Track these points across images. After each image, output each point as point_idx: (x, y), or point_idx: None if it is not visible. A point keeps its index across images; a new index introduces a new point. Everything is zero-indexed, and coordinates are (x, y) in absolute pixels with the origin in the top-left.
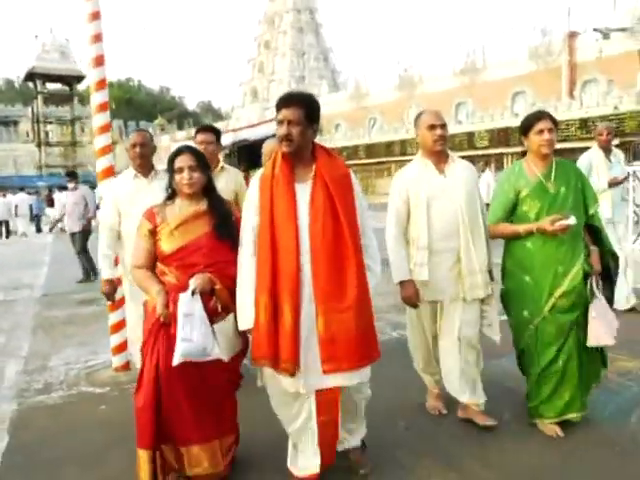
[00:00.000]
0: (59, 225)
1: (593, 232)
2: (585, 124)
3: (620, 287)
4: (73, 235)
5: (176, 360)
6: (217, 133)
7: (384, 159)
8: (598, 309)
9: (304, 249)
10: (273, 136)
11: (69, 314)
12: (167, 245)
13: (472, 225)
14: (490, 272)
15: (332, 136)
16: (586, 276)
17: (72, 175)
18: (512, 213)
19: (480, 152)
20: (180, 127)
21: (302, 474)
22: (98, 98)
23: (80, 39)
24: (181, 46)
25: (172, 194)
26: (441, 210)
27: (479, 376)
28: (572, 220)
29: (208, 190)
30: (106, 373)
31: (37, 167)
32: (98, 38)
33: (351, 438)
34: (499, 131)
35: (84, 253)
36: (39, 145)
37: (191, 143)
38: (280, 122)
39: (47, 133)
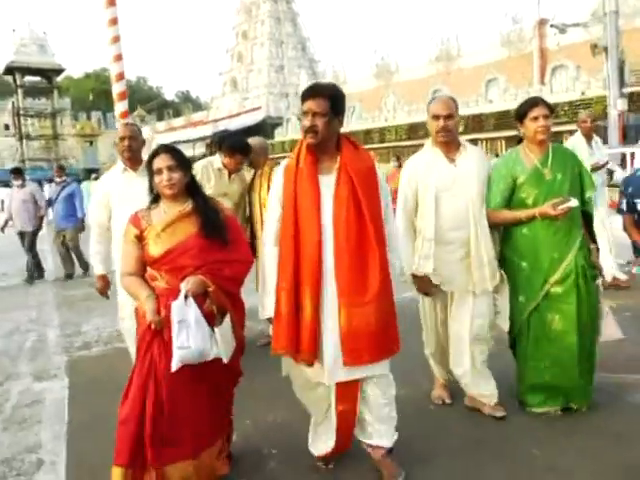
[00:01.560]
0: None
1: (586, 220)
2: (555, 109)
3: (605, 263)
4: (22, 234)
5: (174, 367)
6: (247, 150)
7: (363, 146)
8: (605, 305)
9: (327, 241)
10: (253, 129)
11: (85, 293)
12: (155, 249)
13: (481, 216)
14: (499, 260)
15: None
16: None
17: (18, 172)
18: (510, 200)
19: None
20: (160, 118)
21: (317, 453)
22: (118, 88)
23: (100, 40)
24: (156, 35)
25: (156, 197)
26: (451, 201)
27: (487, 369)
28: (574, 202)
29: (192, 189)
30: None
31: (19, 161)
32: (117, 39)
33: (378, 439)
34: (473, 117)
35: (32, 252)
36: (20, 139)
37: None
38: (305, 113)
39: (27, 126)
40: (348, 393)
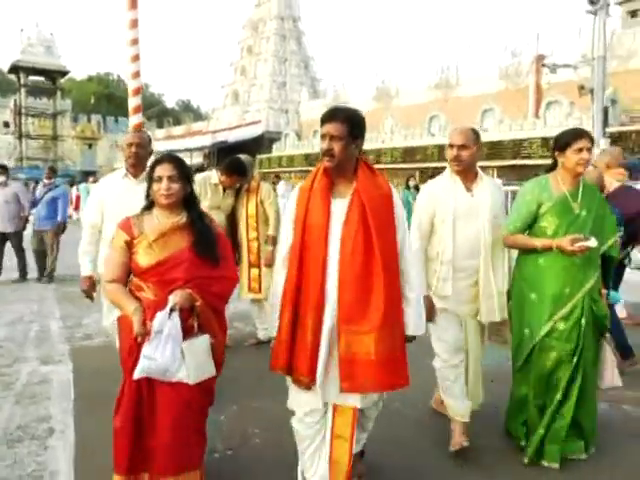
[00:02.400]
0: None
1: (604, 264)
2: (547, 142)
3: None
4: (3, 235)
5: (136, 375)
6: (244, 172)
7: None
8: (608, 352)
9: (332, 266)
10: (251, 142)
11: None
12: (145, 259)
13: (494, 247)
14: (508, 292)
15: (310, 141)
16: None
17: (3, 168)
18: (529, 227)
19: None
20: (160, 125)
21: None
22: (134, 102)
23: (119, 41)
24: (160, 42)
25: (150, 204)
26: (465, 229)
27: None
28: (593, 242)
29: (189, 203)
30: None
31: (17, 159)
32: (136, 41)
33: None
34: None
35: (21, 253)
36: (20, 137)
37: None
38: (323, 136)
39: (27, 125)
40: (344, 420)
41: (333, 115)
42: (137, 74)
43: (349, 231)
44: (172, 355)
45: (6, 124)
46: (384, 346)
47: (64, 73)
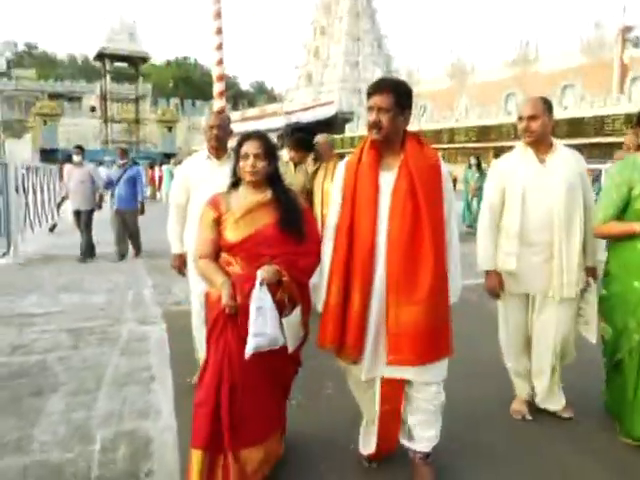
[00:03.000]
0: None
1: None
2: (631, 119)
3: None
4: (78, 213)
5: (248, 353)
6: (309, 146)
7: (433, 146)
8: None
9: (381, 238)
10: (324, 123)
11: None
12: (232, 234)
13: (569, 221)
14: (592, 269)
15: None
16: None
17: (80, 149)
18: (624, 211)
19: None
20: (235, 107)
21: (365, 452)
22: (218, 87)
23: (203, 30)
24: (233, 25)
25: (236, 181)
26: (537, 201)
27: (560, 384)
28: None
29: (274, 180)
30: None
31: (103, 142)
32: (220, 31)
33: (418, 443)
34: None
35: (88, 231)
36: (105, 121)
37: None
38: (370, 109)
39: (112, 110)
40: (392, 393)
41: (379, 86)
42: (221, 61)
43: (397, 202)
44: (276, 326)
45: (92, 109)
46: (431, 317)
47: (146, 59)
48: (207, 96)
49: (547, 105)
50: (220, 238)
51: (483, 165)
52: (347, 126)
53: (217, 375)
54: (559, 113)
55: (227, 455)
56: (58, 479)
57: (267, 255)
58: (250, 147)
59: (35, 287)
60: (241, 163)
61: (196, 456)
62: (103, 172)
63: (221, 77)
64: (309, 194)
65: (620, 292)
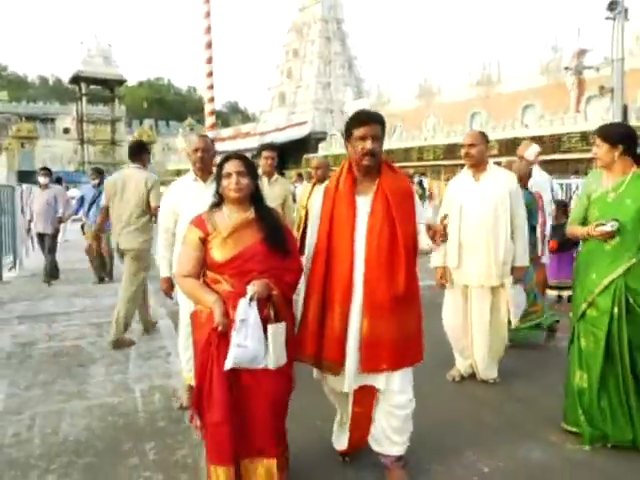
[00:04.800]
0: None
1: None
2: (586, 137)
3: None
4: (42, 236)
5: (228, 365)
6: (271, 148)
7: (402, 164)
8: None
9: (359, 257)
10: (298, 143)
11: None
12: (220, 254)
13: (496, 226)
14: (518, 269)
15: None
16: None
17: (46, 170)
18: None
19: (490, 160)
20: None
21: (338, 448)
22: (208, 94)
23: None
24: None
25: (219, 201)
26: (472, 211)
27: (496, 360)
28: (609, 226)
29: (255, 198)
30: None
31: (80, 163)
32: (210, 60)
33: (389, 447)
34: (507, 141)
35: (52, 254)
36: (82, 143)
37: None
38: (363, 138)
39: (88, 132)
40: (364, 398)
41: (371, 117)
42: (212, 86)
43: (374, 222)
44: (259, 342)
45: (66, 130)
46: (404, 325)
47: (121, 82)
48: (181, 117)
49: (483, 136)
50: (206, 257)
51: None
52: (320, 145)
53: (227, 392)
54: (521, 131)
55: (247, 464)
56: (115, 413)
57: (256, 271)
58: (232, 166)
59: (48, 294)
60: (224, 182)
61: (224, 472)
62: (75, 192)
63: (212, 99)
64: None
65: (580, 280)
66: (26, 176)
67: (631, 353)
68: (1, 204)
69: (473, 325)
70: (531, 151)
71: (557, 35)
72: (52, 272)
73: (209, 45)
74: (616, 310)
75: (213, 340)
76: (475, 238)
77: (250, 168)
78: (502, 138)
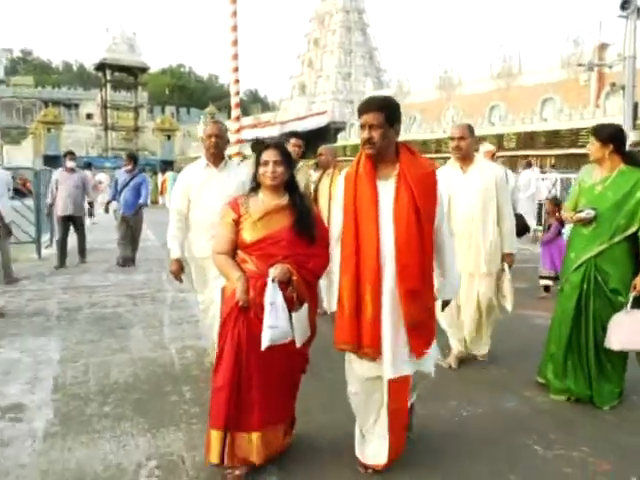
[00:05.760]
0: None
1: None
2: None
3: None
4: (69, 219)
5: (264, 345)
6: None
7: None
8: (621, 318)
9: (385, 241)
10: (317, 132)
11: None
12: (249, 235)
13: (483, 216)
14: (508, 255)
15: None
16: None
17: (72, 155)
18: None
19: (507, 153)
20: (229, 116)
21: (371, 462)
22: (234, 88)
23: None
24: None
25: (256, 186)
26: (460, 201)
27: (488, 338)
28: (585, 214)
29: (290, 186)
30: None
31: (104, 149)
32: (235, 43)
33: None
34: (526, 134)
35: (82, 236)
36: (105, 129)
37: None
38: (362, 126)
39: (113, 118)
40: (399, 390)
41: (369, 105)
42: (237, 81)
43: (401, 209)
44: (287, 320)
45: (89, 116)
46: (430, 309)
47: (144, 69)
48: (202, 104)
49: (470, 129)
50: (238, 237)
51: None
52: (339, 135)
53: (233, 362)
54: (539, 126)
55: (236, 435)
56: (155, 364)
57: (280, 255)
58: (270, 155)
59: (83, 270)
60: (261, 169)
61: (215, 435)
62: (102, 176)
63: (237, 93)
64: (315, 197)
65: (564, 260)
66: (52, 160)
67: (594, 325)
68: (40, 187)
69: (462, 308)
70: (482, 149)
71: (578, 28)
72: (82, 252)
73: (235, 43)
74: (585, 286)
75: (234, 313)
76: (464, 228)
77: (286, 157)
78: (521, 131)
